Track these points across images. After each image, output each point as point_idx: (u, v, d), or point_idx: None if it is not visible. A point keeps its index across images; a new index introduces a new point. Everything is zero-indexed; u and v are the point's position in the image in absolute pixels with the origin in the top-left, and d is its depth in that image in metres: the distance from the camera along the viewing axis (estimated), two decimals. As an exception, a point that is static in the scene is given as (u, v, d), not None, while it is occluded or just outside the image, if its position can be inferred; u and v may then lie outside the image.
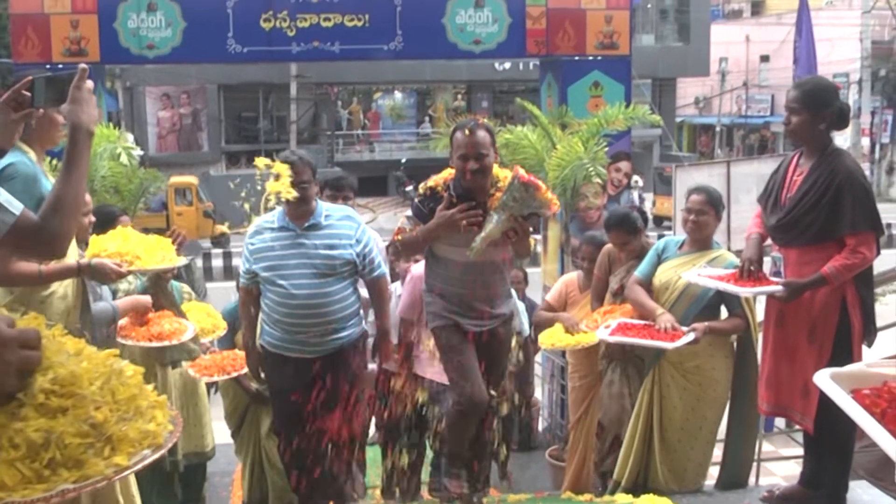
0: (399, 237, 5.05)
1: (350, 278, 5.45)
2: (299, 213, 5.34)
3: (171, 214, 27.42)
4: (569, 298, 6.88)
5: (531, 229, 4.87)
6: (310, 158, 5.47)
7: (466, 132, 4.81)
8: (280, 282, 5.28)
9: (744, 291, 5.09)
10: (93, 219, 4.90)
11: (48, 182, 3.81)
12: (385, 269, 5.71)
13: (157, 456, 1.71)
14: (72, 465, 1.59)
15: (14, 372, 1.54)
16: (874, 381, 2.40)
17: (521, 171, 4.67)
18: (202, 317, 5.88)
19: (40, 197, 3.48)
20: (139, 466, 1.67)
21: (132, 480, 3.60)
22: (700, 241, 5.73)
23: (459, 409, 5.06)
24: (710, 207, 5.69)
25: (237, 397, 6.37)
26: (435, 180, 5.00)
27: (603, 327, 5.72)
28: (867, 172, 33.20)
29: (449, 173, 4.99)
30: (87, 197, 4.57)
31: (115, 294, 5.41)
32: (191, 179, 28.48)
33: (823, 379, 2.43)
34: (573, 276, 7.02)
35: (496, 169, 4.92)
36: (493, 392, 5.28)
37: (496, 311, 5.13)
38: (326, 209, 5.48)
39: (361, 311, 5.61)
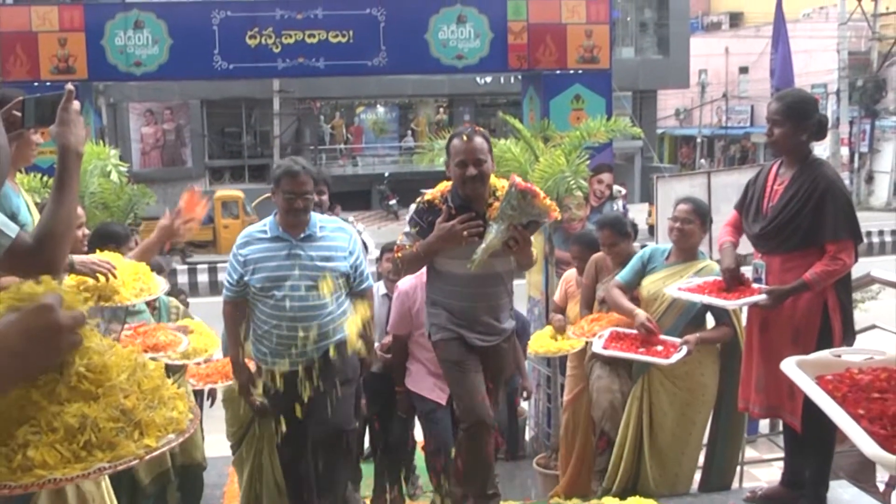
0: (399, 254, 4.97)
1: (343, 289, 5.41)
2: (295, 224, 5.28)
3: (217, 227, 27.51)
4: (568, 292, 6.99)
5: (531, 238, 4.83)
6: (311, 168, 5.42)
7: (464, 138, 4.77)
8: (275, 293, 5.21)
9: (729, 304, 5.18)
10: (86, 231, 4.94)
11: (18, 198, 3.82)
12: (371, 280, 5.69)
13: (181, 439, 1.86)
14: (105, 447, 1.74)
15: (62, 353, 1.66)
16: (838, 369, 2.53)
17: (518, 179, 4.65)
18: (193, 336, 5.78)
19: (11, 213, 3.52)
20: (166, 448, 1.82)
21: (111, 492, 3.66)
22: (685, 250, 5.82)
23: (465, 429, 5.00)
24: (697, 217, 5.79)
25: (241, 410, 6.32)
26: (432, 193, 4.93)
27: (597, 338, 5.77)
28: (847, 182, 33.45)
29: (445, 186, 4.96)
30: (80, 210, 4.60)
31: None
32: (237, 193, 28.41)
33: (790, 366, 2.56)
34: (572, 272, 7.10)
35: (493, 178, 4.90)
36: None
37: (501, 326, 5.09)
38: (320, 220, 5.42)
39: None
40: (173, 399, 1.90)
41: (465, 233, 4.70)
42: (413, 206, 5.10)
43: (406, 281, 6.10)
